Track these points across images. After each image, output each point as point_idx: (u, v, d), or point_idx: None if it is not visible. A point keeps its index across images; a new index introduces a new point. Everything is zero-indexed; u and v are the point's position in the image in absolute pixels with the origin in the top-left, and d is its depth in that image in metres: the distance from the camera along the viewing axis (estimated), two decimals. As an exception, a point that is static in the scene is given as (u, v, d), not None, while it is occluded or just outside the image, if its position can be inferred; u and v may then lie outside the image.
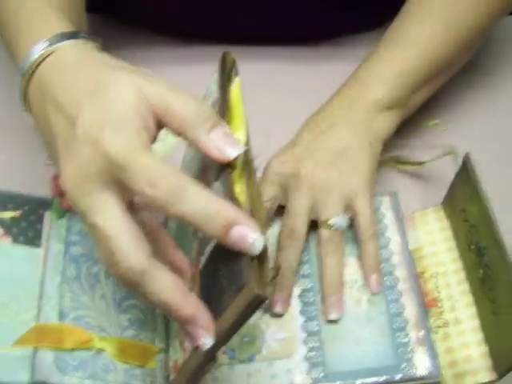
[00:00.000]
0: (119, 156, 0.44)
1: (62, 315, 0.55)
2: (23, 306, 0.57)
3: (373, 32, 0.80)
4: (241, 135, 0.49)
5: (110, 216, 0.45)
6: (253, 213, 0.46)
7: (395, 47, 0.67)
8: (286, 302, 0.61)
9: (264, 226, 0.45)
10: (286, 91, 0.66)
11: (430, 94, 0.69)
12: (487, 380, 0.57)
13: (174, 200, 0.44)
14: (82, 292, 0.57)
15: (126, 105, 0.46)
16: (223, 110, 0.51)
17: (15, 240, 0.61)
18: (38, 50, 0.52)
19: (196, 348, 0.48)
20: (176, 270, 0.53)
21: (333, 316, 0.59)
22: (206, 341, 0.46)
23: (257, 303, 0.43)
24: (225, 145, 0.47)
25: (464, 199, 0.61)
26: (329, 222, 0.61)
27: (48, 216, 0.62)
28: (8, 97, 0.64)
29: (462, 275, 0.62)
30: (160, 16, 0.78)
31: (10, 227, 0.61)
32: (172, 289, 0.46)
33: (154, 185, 0.43)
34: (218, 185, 0.49)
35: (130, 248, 0.45)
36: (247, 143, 0.49)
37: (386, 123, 0.65)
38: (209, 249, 0.50)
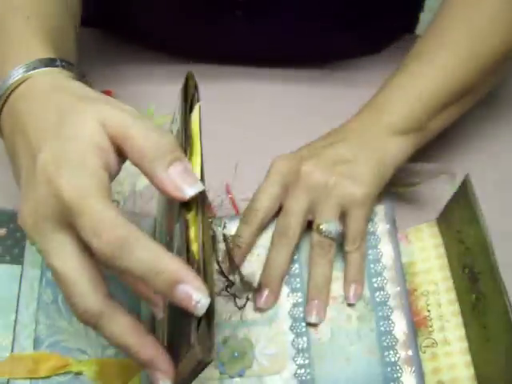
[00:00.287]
0: (71, 200, 0.43)
1: (37, 342, 0.56)
2: (7, 327, 0.57)
3: (374, 56, 0.78)
4: (196, 170, 0.48)
5: (65, 259, 0.44)
6: (205, 262, 0.45)
7: (418, 71, 0.65)
8: (271, 298, 0.61)
9: (211, 286, 0.44)
10: (286, 112, 0.65)
11: (448, 122, 0.67)
12: (473, 402, 0.57)
13: (120, 253, 0.42)
14: (59, 316, 0.57)
15: (87, 143, 0.45)
16: (184, 140, 0.49)
17: (1, 259, 0.61)
18: (14, 74, 0.51)
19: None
20: (147, 301, 0.53)
21: (312, 319, 0.60)
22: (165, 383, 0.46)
23: (201, 367, 0.43)
24: (183, 183, 0.45)
25: (461, 221, 0.60)
26: (320, 227, 0.61)
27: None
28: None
29: (452, 295, 0.61)
30: (160, 34, 0.76)
31: (-5, 246, 0.61)
32: (129, 331, 0.45)
33: (99, 235, 0.42)
34: (177, 228, 0.47)
35: (85, 290, 0.44)
36: (202, 178, 0.47)
37: (399, 148, 0.63)
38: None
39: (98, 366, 0.56)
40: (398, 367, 0.57)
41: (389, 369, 0.57)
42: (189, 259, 0.45)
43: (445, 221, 0.64)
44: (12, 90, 0.51)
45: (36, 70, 0.51)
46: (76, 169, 0.44)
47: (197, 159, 0.48)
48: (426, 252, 0.64)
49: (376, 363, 0.58)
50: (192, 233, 0.46)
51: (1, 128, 0.52)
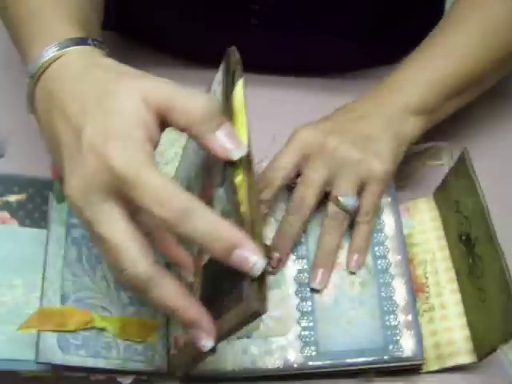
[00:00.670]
0: (125, 171, 0.45)
1: (63, 298, 0.58)
2: (31, 286, 0.60)
3: (388, 66, 0.78)
4: (243, 138, 0.50)
5: (114, 226, 0.46)
6: (254, 222, 0.48)
7: (431, 56, 0.67)
8: (279, 263, 0.63)
9: (260, 241, 0.47)
10: (298, 119, 0.67)
11: (459, 106, 0.69)
12: (467, 362, 0.61)
13: (182, 221, 0.45)
14: (84, 274, 0.60)
15: (131, 116, 0.47)
16: (226, 112, 0.52)
17: (22, 223, 0.63)
18: (46, 54, 0.52)
19: None
20: (178, 265, 0.55)
21: (316, 285, 0.62)
22: (207, 343, 0.49)
23: (254, 317, 0.46)
24: (231, 144, 0.48)
25: (458, 191, 0.63)
26: (339, 199, 0.62)
27: (53, 197, 0.64)
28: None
29: (449, 263, 0.65)
30: (175, 40, 0.78)
31: (16, 210, 0.63)
32: (176, 294, 0.48)
33: (162, 205, 0.45)
34: (221, 192, 0.50)
35: (135, 256, 0.46)
36: (249, 146, 0.50)
37: (412, 128, 0.65)
38: None
39: (120, 322, 0.59)
40: (397, 331, 0.60)
41: (389, 332, 0.60)
42: (238, 221, 0.48)
43: (442, 194, 0.67)
44: (45, 69, 0.52)
45: (68, 48, 0.53)
46: (124, 141, 0.46)
47: (241, 127, 0.51)
48: (424, 224, 0.67)
49: (377, 327, 0.61)
50: (241, 195, 0.48)
51: (35, 107, 0.54)
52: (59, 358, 0.55)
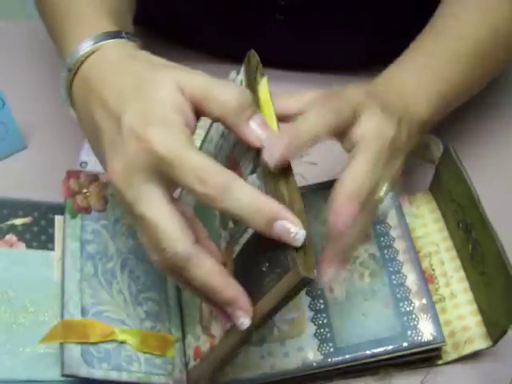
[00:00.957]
0: (166, 153, 0.46)
1: (84, 311, 0.58)
2: (43, 307, 0.60)
3: None
4: (273, 127, 0.52)
5: (156, 206, 0.48)
6: (293, 201, 0.49)
7: (438, 64, 0.64)
8: None
9: (303, 220, 0.48)
10: None
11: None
12: (483, 347, 0.61)
13: (223, 196, 0.46)
14: (101, 288, 0.60)
15: (169, 103, 0.48)
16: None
17: (29, 245, 0.63)
18: (84, 47, 0.54)
19: (228, 332, 0.52)
20: None
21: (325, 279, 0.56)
22: (245, 321, 0.49)
23: (303, 285, 0.47)
24: (263, 134, 0.50)
25: (449, 181, 0.65)
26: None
27: (58, 220, 0.64)
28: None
29: (453, 253, 0.65)
30: (201, 35, 0.80)
31: (22, 233, 0.63)
32: (215, 273, 0.49)
33: (204, 182, 0.46)
34: (253, 178, 0.51)
35: (176, 235, 0.47)
36: None
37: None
38: (243, 240, 0.52)
39: (140, 336, 0.59)
40: (414, 315, 0.60)
41: (405, 318, 0.60)
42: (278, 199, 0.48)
43: (437, 185, 0.68)
44: (82, 62, 0.54)
45: (104, 41, 0.54)
46: (164, 125, 0.47)
47: (272, 119, 0.52)
48: (423, 218, 0.68)
49: (392, 315, 0.61)
50: (276, 179, 0.50)
51: (73, 99, 0.55)
52: (84, 371, 0.55)
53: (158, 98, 0.48)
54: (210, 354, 0.55)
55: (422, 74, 0.62)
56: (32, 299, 0.60)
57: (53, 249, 0.63)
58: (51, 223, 0.64)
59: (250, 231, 0.51)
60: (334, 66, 0.81)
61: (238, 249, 0.53)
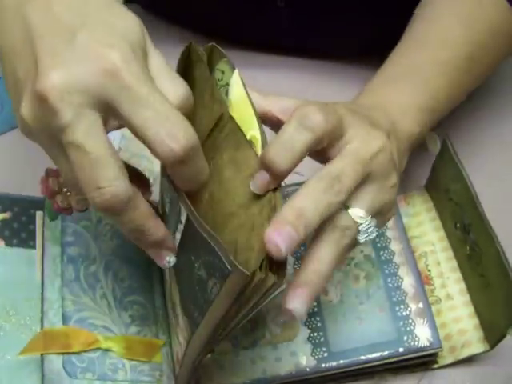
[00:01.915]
0: (134, 83, 0.42)
1: (65, 318, 0.55)
2: (24, 310, 0.57)
3: None
4: (255, 132, 0.48)
5: (96, 137, 0.42)
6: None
7: (423, 76, 0.60)
8: None
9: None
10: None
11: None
12: (481, 351, 0.59)
13: (188, 161, 0.43)
14: (83, 293, 0.57)
15: (135, 36, 0.44)
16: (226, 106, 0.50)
17: (8, 243, 0.60)
18: None
19: (189, 341, 0.50)
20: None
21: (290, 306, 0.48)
22: (171, 259, 0.49)
23: (275, 288, 0.44)
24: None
25: (447, 179, 0.62)
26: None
27: (39, 216, 0.61)
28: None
29: (450, 253, 0.63)
30: (199, 18, 0.77)
31: (1, 230, 0.60)
32: (149, 215, 0.46)
33: (177, 139, 0.42)
34: (165, 180, 0.49)
35: (116, 174, 0.43)
36: (262, 133, 0.47)
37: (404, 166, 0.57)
38: (179, 235, 0.49)
39: (125, 342, 0.56)
40: (410, 320, 0.58)
41: (401, 323, 0.58)
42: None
43: (433, 184, 0.66)
44: None
45: None
46: (130, 52, 0.43)
47: (253, 118, 0.48)
48: (419, 217, 0.66)
49: (388, 319, 0.59)
50: None
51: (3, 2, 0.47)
52: (66, 383, 0.52)
53: (122, 24, 0.44)
54: (183, 359, 0.53)
55: (408, 87, 0.58)
56: (13, 301, 0.58)
57: (34, 247, 0.60)
58: (32, 219, 0.61)
59: (178, 238, 0.49)
60: (334, 54, 0.78)
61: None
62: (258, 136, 0.47)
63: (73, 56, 0.42)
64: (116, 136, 0.62)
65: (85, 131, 0.42)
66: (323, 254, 0.47)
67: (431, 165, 0.65)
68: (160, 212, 0.54)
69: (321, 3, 0.72)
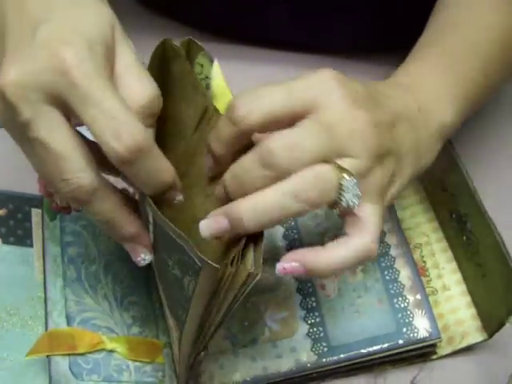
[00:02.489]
0: (83, 82, 0.42)
1: (69, 319, 0.55)
2: (26, 309, 0.57)
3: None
4: None
5: (58, 130, 0.43)
6: None
7: (457, 62, 0.57)
8: None
9: None
10: None
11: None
12: (479, 340, 0.60)
13: (134, 161, 0.43)
14: (85, 293, 0.57)
15: (97, 31, 0.44)
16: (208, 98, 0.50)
17: (5, 240, 0.59)
18: None
19: (180, 340, 0.50)
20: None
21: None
22: (146, 257, 0.49)
23: (251, 279, 0.44)
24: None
25: (441, 170, 0.63)
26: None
27: (35, 213, 0.61)
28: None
29: (444, 243, 0.64)
30: (193, 10, 0.76)
31: (-3, 227, 0.60)
32: (119, 208, 0.46)
33: (118, 137, 0.42)
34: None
35: (81, 165, 0.43)
36: None
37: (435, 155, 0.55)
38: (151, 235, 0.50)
39: (129, 343, 0.56)
40: (408, 312, 0.58)
41: (400, 315, 0.58)
42: None
43: (426, 175, 0.66)
44: None
45: None
46: (86, 50, 0.43)
47: None
48: (412, 208, 0.66)
49: (386, 311, 0.59)
50: None
51: None
52: None
53: (87, 21, 0.44)
54: (179, 358, 0.53)
55: (442, 70, 0.55)
56: (13, 300, 0.57)
57: (31, 245, 0.60)
58: (28, 216, 0.61)
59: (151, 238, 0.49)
60: (334, 50, 0.77)
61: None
62: None
63: (30, 52, 0.42)
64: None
65: (46, 127, 0.42)
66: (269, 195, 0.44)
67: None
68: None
69: None
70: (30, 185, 0.61)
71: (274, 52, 0.76)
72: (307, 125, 0.44)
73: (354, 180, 0.44)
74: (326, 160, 0.44)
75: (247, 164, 0.44)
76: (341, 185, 0.44)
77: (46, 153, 0.43)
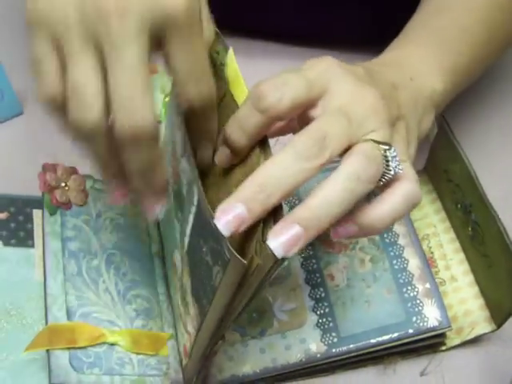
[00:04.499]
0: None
1: (69, 314, 0.54)
2: (26, 310, 0.56)
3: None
4: None
5: (88, 72, 0.42)
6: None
7: (447, 39, 0.59)
8: None
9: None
10: None
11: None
12: (487, 330, 0.59)
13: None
14: (86, 288, 0.56)
15: None
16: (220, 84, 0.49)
17: (6, 243, 0.59)
18: None
19: (198, 330, 0.49)
20: None
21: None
22: (163, 209, 0.48)
23: (278, 264, 0.42)
24: None
25: (445, 160, 0.62)
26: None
27: (36, 214, 0.61)
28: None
29: (452, 234, 0.63)
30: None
31: (-2, 230, 0.60)
32: (162, 158, 0.46)
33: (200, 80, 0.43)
34: (184, 162, 0.48)
35: (101, 108, 0.42)
36: None
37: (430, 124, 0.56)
38: (188, 231, 0.49)
39: (131, 336, 0.55)
40: (418, 301, 0.58)
41: (409, 304, 0.58)
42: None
43: (432, 166, 0.66)
44: None
45: None
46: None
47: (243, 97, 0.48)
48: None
49: (396, 301, 0.58)
50: None
51: None
52: (74, 378, 0.51)
53: None
54: (191, 351, 0.52)
55: (430, 47, 0.57)
56: (13, 301, 0.57)
57: (32, 246, 0.60)
58: (29, 218, 0.61)
59: (191, 221, 0.47)
60: (335, 42, 0.77)
61: (187, 241, 0.49)
62: None
63: None
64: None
65: (77, 62, 0.42)
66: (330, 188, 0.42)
67: (428, 148, 0.65)
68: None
69: None
70: (30, 187, 0.61)
71: (276, 44, 0.76)
72: (325, 115, 0.45)
73: (393, 148, 0.45)
74: (352, 141, 0.44)
75: (286, 162, 0.42)
76: (386, 156, 0.44)
77: (74, 88, 0.42)
